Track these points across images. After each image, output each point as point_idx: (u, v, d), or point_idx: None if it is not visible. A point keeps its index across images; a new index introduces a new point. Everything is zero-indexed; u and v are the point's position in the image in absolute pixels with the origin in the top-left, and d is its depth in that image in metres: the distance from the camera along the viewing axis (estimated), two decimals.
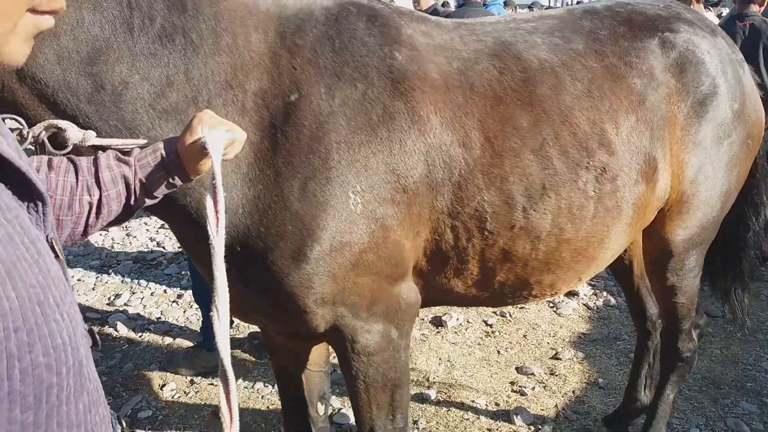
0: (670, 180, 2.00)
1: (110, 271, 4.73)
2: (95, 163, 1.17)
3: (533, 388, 3.24)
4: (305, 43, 1.54)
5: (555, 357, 3.57)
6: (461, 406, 3.09)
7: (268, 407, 3.10)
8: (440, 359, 3.53)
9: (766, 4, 4.91)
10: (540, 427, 2.94)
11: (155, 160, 1.22)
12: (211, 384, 3.28)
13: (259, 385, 3.28)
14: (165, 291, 4.41)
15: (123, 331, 3.79)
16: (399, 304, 1.69)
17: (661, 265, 2.22)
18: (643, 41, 1.95)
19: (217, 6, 1.47)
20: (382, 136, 1.56)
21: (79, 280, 4.59)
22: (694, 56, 1.98)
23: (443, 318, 3.91)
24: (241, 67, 1.48)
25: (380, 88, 1.58)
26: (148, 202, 1.26)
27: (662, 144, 1.93)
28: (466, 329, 3.88)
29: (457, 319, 3.94)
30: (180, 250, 5.13)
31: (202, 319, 3.44)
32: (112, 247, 5.25)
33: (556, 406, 3.11)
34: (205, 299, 3.33)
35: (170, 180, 1.23)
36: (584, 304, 4.25)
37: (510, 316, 4.06)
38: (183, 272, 4.67)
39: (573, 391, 3.24)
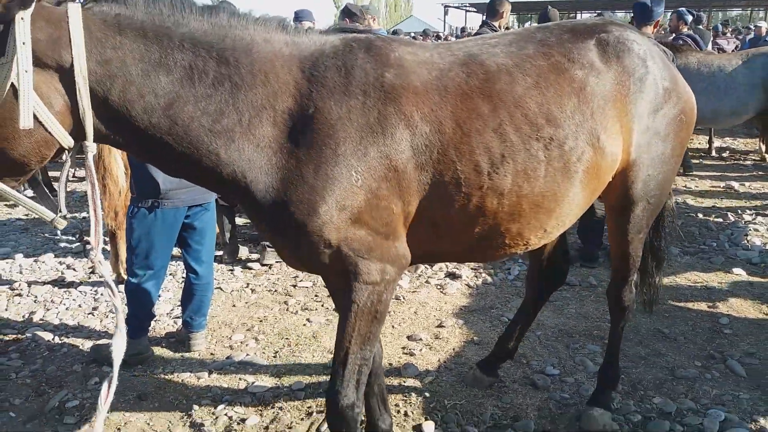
0: (622, 146, 2.50)
1: (21, 294, 4.88)
2: None
3: (420, 350, 3.80)
4: (319, 73, 2.06)
5: (440, 325, 4.16)
6: None
7: (186, 387, 3.47)
8: None
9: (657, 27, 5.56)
10: (425, 377, 3.49)
11: None
12: (134, 375, 3.59)
13: (178, 371, 3.64)
14: (80, 305, 4.64)
15: (42, 340, 4.01)
16: (390, 254, 2.17)
17: (618, 212, 2.76)
18: (584, 42, 2.50)
19: (252, 56, 1.99)
20: (377, 131, 2.07)
21: None
22: (625, 46, 2.55)
23: None
24: (272, 94, 2.00)
25: (375, 98, 2.09)
26: None
27: (604, 118, 2.42)
28: None
29: None
30: (91, 270, 5.35)
31: (127, 311, 3.75)
32: (21, 272, 5.38)
33: (438, 360, 3.68)
34: (132, 292, 3.67)
35: None
36: (466, 284, 4.89)
37: (403, 298, 4.62)
38: (96, 289, 4.90)
39: (453, 349, 3.82)
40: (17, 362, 3.75)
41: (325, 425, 3.04)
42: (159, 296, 4.39)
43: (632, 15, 5.28)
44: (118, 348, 1.97)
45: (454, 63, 2.29)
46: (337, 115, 2.03)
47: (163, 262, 3.72)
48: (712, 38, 12.83)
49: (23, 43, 1.67)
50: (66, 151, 1.89)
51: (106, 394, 1.92)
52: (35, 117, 1.74)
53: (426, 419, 3.08)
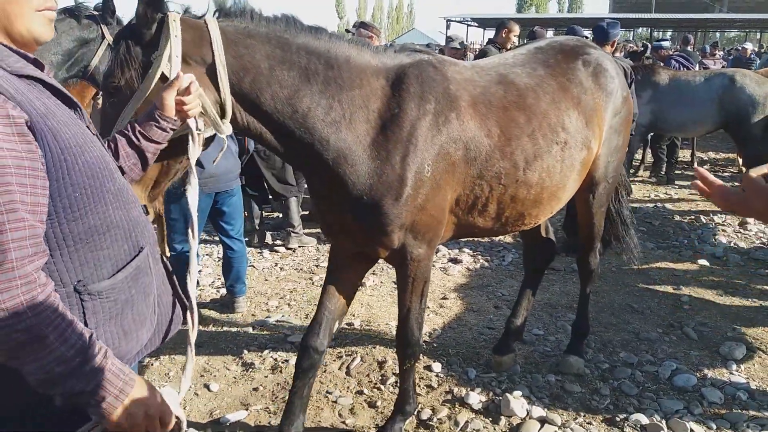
0: (598, 145, 3.20)
1: None
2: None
3: (428, 315, 4.53)
4: (402, 81, 2.51)
5: (443, 298, 4.89)
6: (378, 326, 4.33)
7: (236, 338, 4.20)
8: (362, 304, 4.75)
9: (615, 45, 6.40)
10: (432, 334, 4.22)
11: (147, 114, 1.85)
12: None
13: (226, 327, 4.36)
14: None
15: None
16: (437, 234, 2.69)
17: (587, 191, 3.40)
18: (573, 63, 3.14)
19: (350, 64, 2.43)
20: (444, 132, 2.53)
21: None
22: (601, 67, 3.22)
23: (363, 280, 5.15)
24: (366, 96, 2.44)
25: (443, 104, 2.55)
26: (150, 146, 1.82)
27: (592, 125, 3.08)
28: (380, 286, 5.13)
29: (373, 280, 5.19)
30: None
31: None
32: None
33: (443, 323, 4.42)
34: (178, 269, 4.38)
35: (157, 123, 1.82)
36: (466, 267, 5.63)
37: None
38: None
39: (455, 315, 4.56)
40: None
41: (354, 363, 3.78)
42: (200, 269, 5.10)
43: (593, 35, 6.05)
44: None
45: (491, 81, 2.84)
46: (416, 115, 2.49)
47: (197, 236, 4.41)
48: (700, 59, 13.69)
49: (176, 36, 2.06)
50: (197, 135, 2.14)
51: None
52: None
53: (435, 361, 3.81)
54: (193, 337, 1.94)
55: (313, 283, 5.24)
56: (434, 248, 2.79)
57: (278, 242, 6.26)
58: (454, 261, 5.78)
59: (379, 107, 2.47)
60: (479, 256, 5.93)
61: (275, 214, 7.18)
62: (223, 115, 2.22)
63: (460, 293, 5.01)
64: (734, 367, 3.85)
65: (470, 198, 2.77)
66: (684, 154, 11.59)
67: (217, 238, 6.18)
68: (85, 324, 1.37)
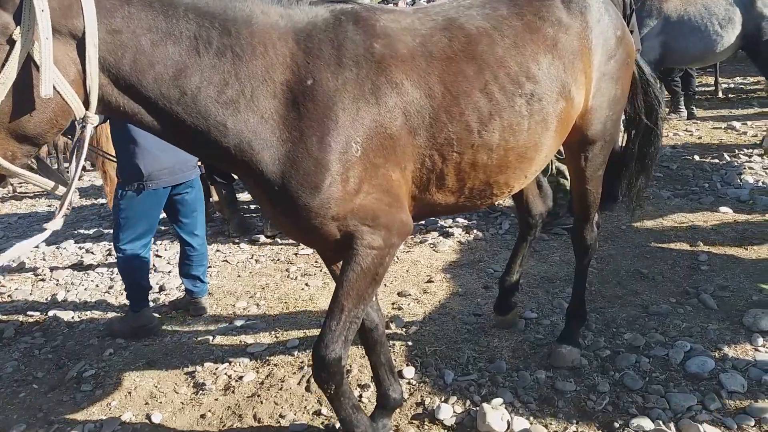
0: (584, 95, 2.69)
1: (45, 279, 5.25)
2: None
3: (408, 304, 4.04)
4: (314, 45, 2.09)
5: (429, 281, 4.38)
6: None
7: (191, 352, 3.78)
8: None
9: None
10: (410, 327, 3.73)
11: None
12: (144, 345, 3.91)
13: (185, 338, 3.94)
14: (97, 285, 4.98)
15: (62, 319, 4.36)
16: (394, 221, 2.24)
17: (578, 152, 2.94)
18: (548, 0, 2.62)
19: (251, 27, 2.01)
20: (371, 102, 2.12)
21: (16, 288, 5.09)
22: (586, 1, 2.70)
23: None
24: (271, 66, 2.02)
25: (367, 69, 2.13)
26: None
27: (574, 71, 2.57)
28: None
29: None
30: (108, 253, 5.69)
31: (125, 288, 4.06)
32: (44, 259, 5.75)
33: (424, 313, 3.91)
34: (123, 267, 3.97)
35: None
36: (458, 241, 5.09)
37: (397, 258, 4.85)
38: (112, 270, 5.24)
39: (439, 302, 4.05)
40: (40, 340, 4.10)
41: None
42: (151, 267, 4.60)
43: None
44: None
45: (435, 28, 2.37)
46: (334, 86, 2.08)
47: (148, 236, 3.98)
48: None
49: (42, 11, 1.66)
50: (79, 124, 1.87)
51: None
52: (53, 86, 1.72)
53: (407, 365, 3.33)
54: None
55: (288, 276, 4.77)
56: (395, 239, 2.26)
57: (256, 231, 5.81)
58: (446, 235, 5.24)
59: (288, 79, 2.05)
60: (473, 227, 5.37)
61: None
62: (86, 101, 1.83)
63: (448, 273, 4.49)
64: (760, 341, 3.27)
65: (423, 172, 2.31)
66: (708, 80, 10.69)
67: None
68: None
